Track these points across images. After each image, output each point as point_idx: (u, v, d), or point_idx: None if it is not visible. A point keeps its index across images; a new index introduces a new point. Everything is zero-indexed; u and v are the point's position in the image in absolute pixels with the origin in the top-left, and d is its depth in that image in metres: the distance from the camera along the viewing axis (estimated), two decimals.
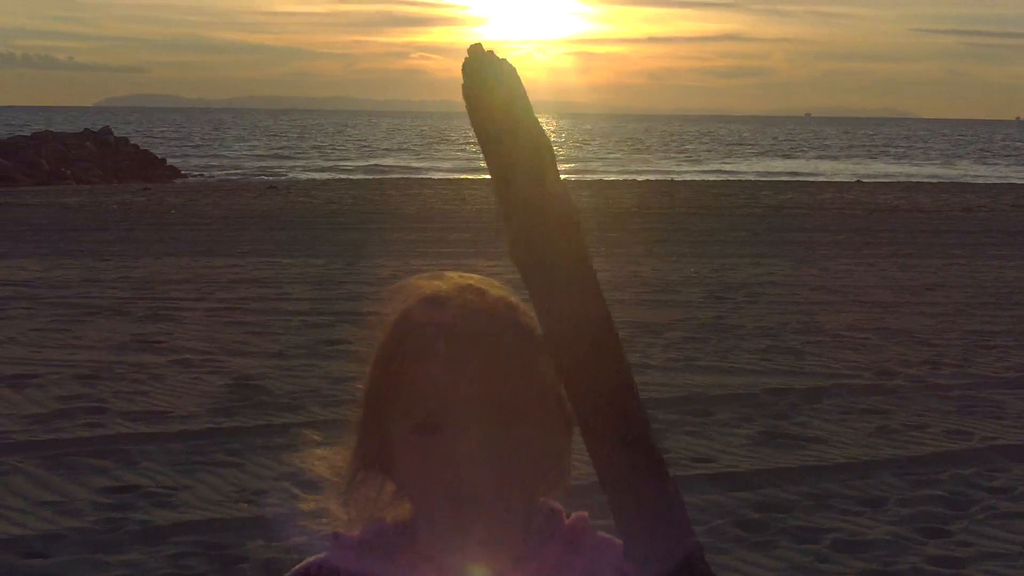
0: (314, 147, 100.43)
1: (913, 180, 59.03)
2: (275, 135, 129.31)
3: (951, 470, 8.83)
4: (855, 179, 59.46)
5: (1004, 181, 59.60)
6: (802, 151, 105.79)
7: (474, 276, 1.86)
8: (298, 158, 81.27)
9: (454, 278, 1.85)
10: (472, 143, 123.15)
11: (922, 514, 7.90)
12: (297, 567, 1.89)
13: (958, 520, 7.82)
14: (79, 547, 7.08)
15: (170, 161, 59.92)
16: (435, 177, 59.13)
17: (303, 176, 60.01)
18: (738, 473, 8.62)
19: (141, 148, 59.38)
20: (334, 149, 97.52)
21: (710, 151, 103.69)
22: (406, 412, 1.75)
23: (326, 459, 1.91)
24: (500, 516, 1.75)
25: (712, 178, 59.90)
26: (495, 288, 1.84)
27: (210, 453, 8.94)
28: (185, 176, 56.06)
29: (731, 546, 7.29)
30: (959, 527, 7.70)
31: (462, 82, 1.70)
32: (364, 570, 1.83)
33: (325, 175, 61.18)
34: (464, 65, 1.69)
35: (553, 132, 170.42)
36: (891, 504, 8.08)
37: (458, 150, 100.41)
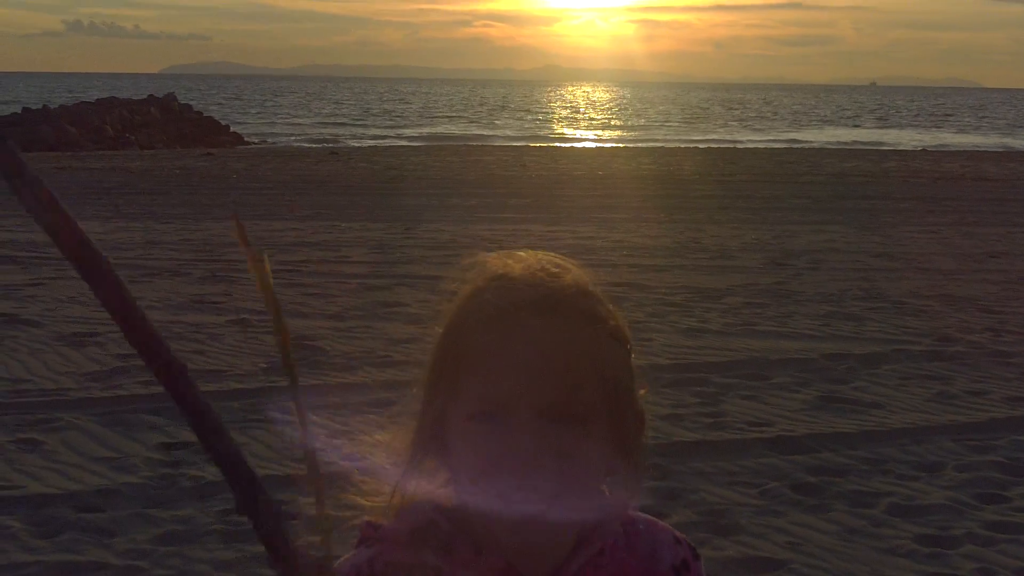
0: (376, 114, 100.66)
1: (979, 149, 58.30)
2: (337, 102, 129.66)
3: (1010, 436, 8.71)
4: (920, 147, 58.82)
5: None
6: (867, 120, 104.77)
7: (551, 256, 1.76)
8: (360, 125, 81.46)
9: (528, 258, 1.75)
10: (534, 109, 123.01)
11: (979, 479, 7.80)
12: (342, 564, 1.74)
13: (1016, 486, 7.72)
14: (132, 502, 7.13)
15: (233, 128, 60.22)
16: (495, 144, 59.00)
17: (364, 142, 60.15)
18: (794, 437, 8.54)
19: (204, 115, 59.75)
20: (396, 116, 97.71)
21: (774, 119, 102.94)
22: (465, 396, 1.66)
23: (382, 444, 1.81)
24: (558, 514, 1.64)
25: (775, 146, 59.40)
26: (570, 272, 1.73)
27: (264, 412, 8.97)
28: (248, 142, 56.30)
29: (786, 509, 7.23)
30: (1016, 493, 7.60)
31: None
32: (421, 562, 1.71)
33: (386, 142, 61.31)
34: None
35: (614, 100, 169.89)
36: (948, 469, 7.98)
37: (518, 118, 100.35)
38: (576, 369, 1.62)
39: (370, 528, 1.75)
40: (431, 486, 1.76)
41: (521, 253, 1.76)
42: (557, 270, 1.72)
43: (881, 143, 65.84)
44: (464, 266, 1.77)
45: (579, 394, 1.62)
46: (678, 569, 1.82)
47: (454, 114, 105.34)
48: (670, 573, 1.82)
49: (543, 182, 31.93)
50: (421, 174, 34.42)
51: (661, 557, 1.81)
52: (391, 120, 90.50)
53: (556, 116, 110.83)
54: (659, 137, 71.37)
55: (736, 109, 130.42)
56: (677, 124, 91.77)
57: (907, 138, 73.06)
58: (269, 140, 60.55)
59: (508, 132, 75.58)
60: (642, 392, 1.77)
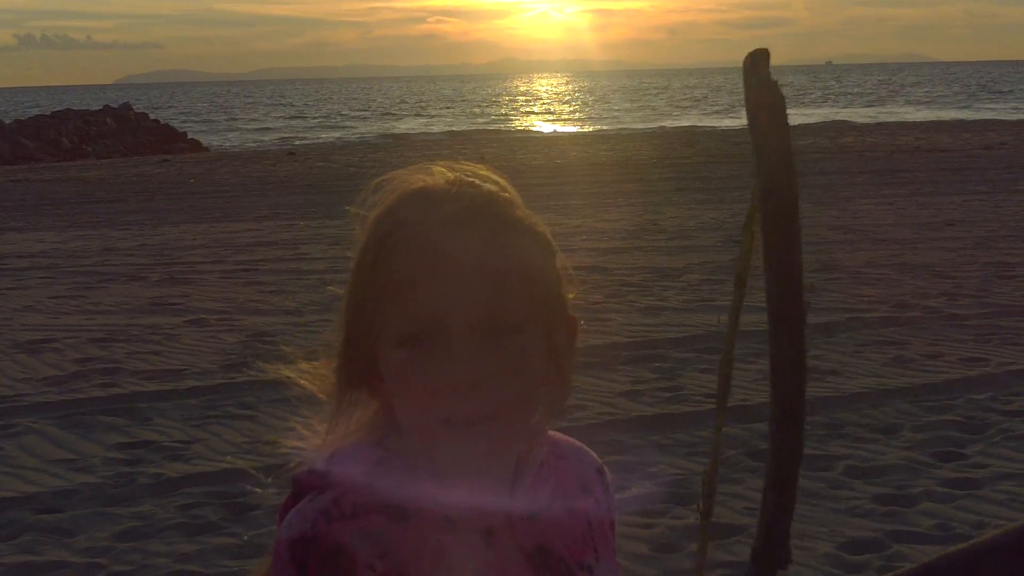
0: (333, 114, 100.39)
1: (934, 121, 58.60)
2: (294, 104, 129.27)
3: (967, 396, 8.78)
4: (875, 122, 59.05)
5: None
6: (822, 98, 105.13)
7: (465, 164, 1.70)
8: (317, 125, 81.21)
9: (442, 170, 1.68)
10: (489, 102, 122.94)
11: (937, 439, 7.86)
12: (291, 519, 1.65)
13: (973, 443, 7.78)
14: (91, 501, 7.11)
15: (190, 134, 59.97)
16: (453, 137, 58.94)
17: (322, 142, 60.01)
18: (749, 406, 8.56)
19: (161, 123, 59.47)
20: (353, 115, 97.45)
21: (732, 103, 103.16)
22: (391, 322, 1.57)
23: (311, 374, 1.79)
24: (498, 436, 1.59)
25: (733, 127, 59.58)
26: (489, 180, 1.68)
27: (223, 407, 8.96)
28: (205, 148, 56.07)
29: (743, 476, 7.26)
30: (974, 450, 7.66)
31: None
32: (386, 501, 1.62)
33: (344, 140, 61.17)
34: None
35: (571, 90, 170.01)
36: (905, 430, 8.04)
37: (477, 110, 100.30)
38: (506, 277, 1.57)
39: (313, 476, 1.66)
40: (364, 422, 1.71)
41: (437, 167, 1.69)
42: (473, 179, 1.66)
43: (838, 120, 66.11)
44: (375, 186, 1.71)
45: (512, 303, 1.57)
46: (600, 470, 1.85)
47: (412, 110, 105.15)
48: (595, 474, 1.84)
49: (501, 172, 31.91)
50: (380, 170, 33.37)
51: (585, 461, 1.83)
52: (349, 119, 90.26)
53: (513, 108, 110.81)
54: (616, 124, 71.43)
55: (695, 93, 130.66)
56: (634, 111, 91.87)
57: (862, 113, 73.36)
58: (227, 145, 60.31)
59: (465, 125, 75.48)
60: (571, 296, 1.70)
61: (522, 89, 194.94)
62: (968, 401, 8.64)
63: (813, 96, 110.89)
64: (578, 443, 1.86)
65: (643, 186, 26.21)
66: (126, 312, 12.87)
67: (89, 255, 17.58)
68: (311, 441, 1.75)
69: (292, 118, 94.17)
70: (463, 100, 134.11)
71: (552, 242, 1.68)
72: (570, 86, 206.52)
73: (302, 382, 1.81)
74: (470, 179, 1.66)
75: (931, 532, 6.35)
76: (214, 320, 12.18)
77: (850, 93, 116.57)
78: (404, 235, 1.58)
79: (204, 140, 59.75)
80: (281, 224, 20.96)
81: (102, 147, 49.62)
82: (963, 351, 10.08)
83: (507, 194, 1.67)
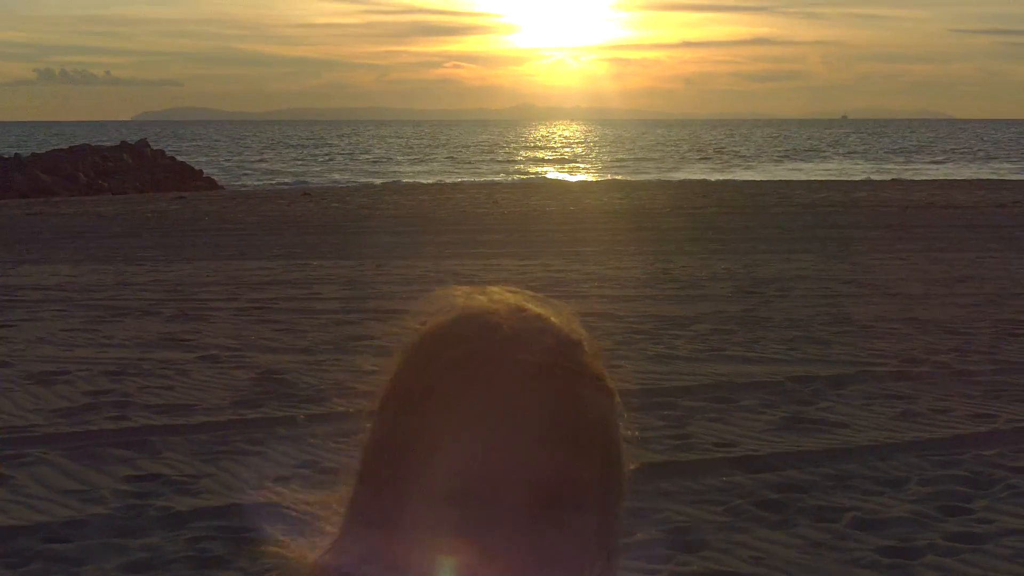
0: (349, 156, 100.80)
1: (948, 178, 58.67)
2: (310, 146, 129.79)
3: (974, 451, 8.80)
4: (891, 177, 59.15)
5: None
6: (838, 152, 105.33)
7: (528, 295, 1.45)
8: (332, 167, 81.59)
9: (505, 295, 1.44)
10: (505, 147, 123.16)
11: (943, 493, 7.88)
12: None
13: (979, 498, 7.80)
14: (101, 532, 7.16)
15: (206, 172, 60.22)
16: (467, 182, 59.13)
17: (337, 184, 60.23)
18: (759, 456, 8.61)
19: (177, 160, 59.75)
20: (369, 158, 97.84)
21: (745, 154, 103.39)
22: (436, 470, 1.34)
23: (321, 504, 1.51)
24: None
25: (747, 178, 59.69)
26: (557, 316, 1.43)
27: (233, 443, 9.01)
28: (221, 187, 56.30)
29: (750, 525, 7.29)
30: (980, 505, 7.68)
31: None
32: None
33: (359, 181, 61.41)
34: None
35: (587, 137, 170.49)
36: (912, 484, 8.06)
37: (491, 157, 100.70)
38: (582, 451, 1.35)
39: None
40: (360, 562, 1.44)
41: (496, 289, 1.45)
42: (548, 318, 1.41)
43: (852, 173, 66.21)
44: (431, 301, 1.45)
45: (581, 478, 1.35)
46: None
47: (427, 154, 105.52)
48: None
49: (515, 218, 32.06)
50: (393, 212, 34.50)
51: None
52: (365, 161, 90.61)
53: (529, 154, 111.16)
54: (633, 171, 71.65)
55: (710, 144, 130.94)
56: (648, 159, 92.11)
57: (878, 168, 73.48)
58: (242, 183, 60.56)
59: (481, 169, 75.78)
60: (632, 465, 1.45)
61: (538, 135, 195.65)
62: (975, 456, 8.66)
63: (828, 150, 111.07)
64: None
65: (656, 234, 26.30)
66: (138, 346, 12.93)
67: (103, 289, 17.67)
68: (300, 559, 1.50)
69: (308, 159, 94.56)
70: (479, 145, 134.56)
71: (617, 395, 1.44)
72: (586, 134, 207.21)
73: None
74: (539, 315, 1.41)
75: None
76: (226, 356, 12.24)
77: (864, 148, 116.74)
78: (465, 378, 1.35)
79: (219, 178, 60.01)
80: (295, 263, 21.05)
81: (118, 183, 49.87)
82: (972, 407, 10.09)
83: (578, 336, 1.42)
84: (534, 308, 1.42)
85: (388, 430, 1.40)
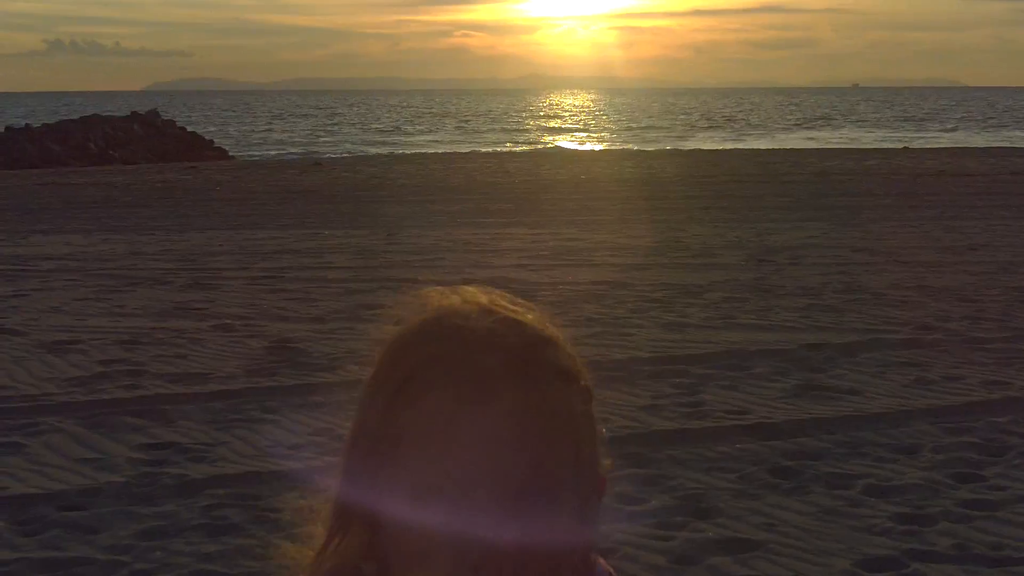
0: (359, 126, 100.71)
1: (960, 146, 58.47)
2: (320, 115, 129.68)
3: (987, 418, 8.79)
4: (901, 146, 58.97)
5: None
6: (849, 121, 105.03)
7: (502, 295, 1.49)
8: (343, 136, 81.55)
9: (476, 295, 1.47)
10: (515, 116, 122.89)
11: (956, 460, 7.88)
12: None
13: (992, 465, 7.80)
14: (115, 500, 7.18)
15: (217, 142, 60.19)
16: (478, 151, 59.05)
17: (347, 153, 60.20)
18: (771, 423, 8.62)
19: (188, 130, 59.73)
20: (379, 127, 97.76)
21: (756, 122, 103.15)
22: (406, 471, 1.39)
23: (308, 510, 1.54)
24: None
25: (758, 147, 59.55)
26: (529, 314, 1.46)
27: (247, 411, 9.03)
28: (232, 157, 56.27)
29: (763, 492, 7.30)
30: (993, 472, 7.68)
31: None
32: None
33: (370, 151, 61.36)
34: None
35: (597, 106, 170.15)
36: (925, 451, 8.06)
37: (501, 127, 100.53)
38: (552, 446, 1.38)
39: None
40: (347, 561, 1.48)
41: (469, 290, 1.48)
42: (519, 316, 1.45)
43: (863, 141, 66.02)
44: (402, 304, 1.49)
45: (551, 472, 1.38)
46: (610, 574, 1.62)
47: (438, 123, 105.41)
48: None
49: (526, 187, 32.01)
50: (404, 182, 34.47)
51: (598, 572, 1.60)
52: (376, 130, 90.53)
53: (539, 123, 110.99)
54: (643, 140, 71.51)
55: (720, 113, 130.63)
56: (659, 128, 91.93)
57: (889, 136, 73.27)
58: (253, 153, 60.54)
59: (491, 138, 75.69)
60: (607, 462, 1.50)
61: (548, 104, 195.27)
62: (988, 424, 8.66)
63: (839, 118, 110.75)
64: None
65: (667, 203, 26.25)
66: (151, 315, 12.96)
67: (115, 259, 17.70)
68: (298, 565, 1.55)
69: (318, 129, 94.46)
70: (489, 114, 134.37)
71: (592, 391, 1.48)
72: (596, 103, 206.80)
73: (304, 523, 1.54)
74: (510, 314, 1.45)
75: (949, 552, 6.37)
76: (239, 325, 12.27)
77: (876, 116, 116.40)
78: (435, 377, 1.38)
79: (230, 149, 59.99)
80: (306, 232, 21.06)
81: (129, 153, 49.87)
82: (985, 374, 10.08)
83: (549, 334, 1.46)
84: (506, 308, 1.45)
85: (364, 425, 1.44)
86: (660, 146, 63.86)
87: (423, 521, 1.37)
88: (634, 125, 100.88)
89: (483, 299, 1.46)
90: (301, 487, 1.63)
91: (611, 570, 1.62)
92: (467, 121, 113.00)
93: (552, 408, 1.39)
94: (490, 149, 62.05)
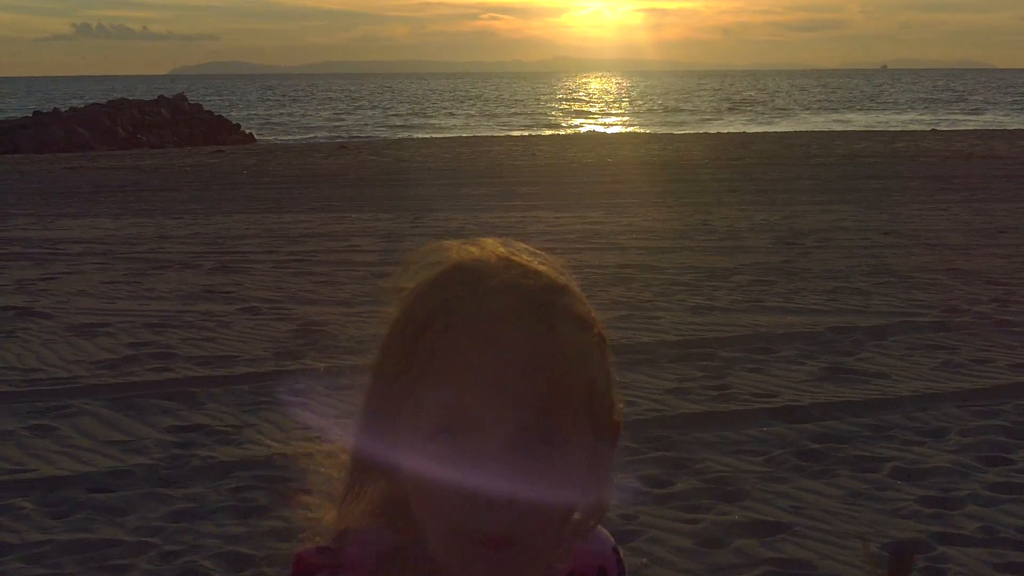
0: (385, 109, 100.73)
1: (989, 128, 58.13)
2: (347, 99, 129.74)
3: (1015, 401, 8.76)
4: (930, 127, 58.66)
5: None
6: (878, 102, 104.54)
7: (521, 246, 1.53)
8: (369, 120, 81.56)
9: (496, 246, 1.52)
10: (542, 99, 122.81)
11: (983, 443, 7.85)
12: None
13: (1020, 449, 7.77)
14: (144, 482, 7.22)
15: (243, 126, 60.31)
16: (505, 134, 59.00)
17: (373, 136, 60.23)
18: (799, 407, 8.60)
19: (215, 114, 59.86)
20: (405, 111, 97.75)
21: (783, 104, 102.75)
22: (424, 410, 1.42)
23: (326, 454, 1.63)
24: (522, 559, 1.43)
25: (786, 130, 59.32)
26: (545, 263, 1.51)
27: (275, 394, 9.06)
28: (258, 140, 56.38)
29: (790, 475, 7.29)
30: (1021, 455, 7.65)
31: None
32: None
33: (396, 135, 61.39)
34: None
35: (624, 89, 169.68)
36: (952, 434, 8.03)
37: (527, 110, 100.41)
38: (560, 381, 1.41)
39: (323, 555, 1.51)
40: (378, 502, 1.53)
41: (489, 241, 1.53)
42: (535, 265, 1.50)
43: (892, 123, 65.72)
44: (423, 253, 1.52)
45: (563, 410, 1.41)
46: (615, 549, 1.67)
47: (465, 107, 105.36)
48: (611, 554, 1.66)
49: (552, 170, 31.99)
50: (431, 165, 34.48)
51: (602, 542, 1.65)
52: (402, 114, 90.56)
53: (566, 106, 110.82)
54: (670, 123, 71.34)
55: (748, 95, 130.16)
56: (686, 111, 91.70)
57: (917, 119, 72.91)
58: (280, 137, 60.65)
59: (518, 122, 75.62)
60: (619, 406, 1.53)
61: (575, 87, 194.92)
62: (1016, 407, 8.63)
63: (867, 101, 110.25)
64: (606, 541, 1.69)
65: (694, 186, 26.20)
66: (179, 298, 13.01)
67: (143, 242, 17.77)
68: (321, 516, 1.59)
69: (344, 112, 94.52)
70: (515, 97, 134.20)
71: (606, 338, 1.52)
72: (623, 85, 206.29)
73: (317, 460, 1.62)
74: (527, 263, 1.50)
75: (976, 535, 6.35)
76: (266, 308, 12.31)
77: (905, 97, 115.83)
78: (452, 319, 1.42)
79: (257, 132, 60.10)
80: (333, 216, 21.10)
81: (156, 137, 50.03)
82: (1013, 357, 10.04)
83: (564, 281, 1.50)
84: (523, 258, 1.50)
85: (383, 369, 1.48)
86: (686, 129, 63.71)
87: (439, 460, 1.40)
88: (660, 107, 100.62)
89: (501, 249, 1.51)
90: (316, 437, 1.66)
91: (613, 542, 1.66)
92: (493, 104, 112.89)
93: (564, 346, 1.42)
94: (516, 133, 61.97)
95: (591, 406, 1.45)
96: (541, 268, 1.49)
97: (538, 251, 1.53)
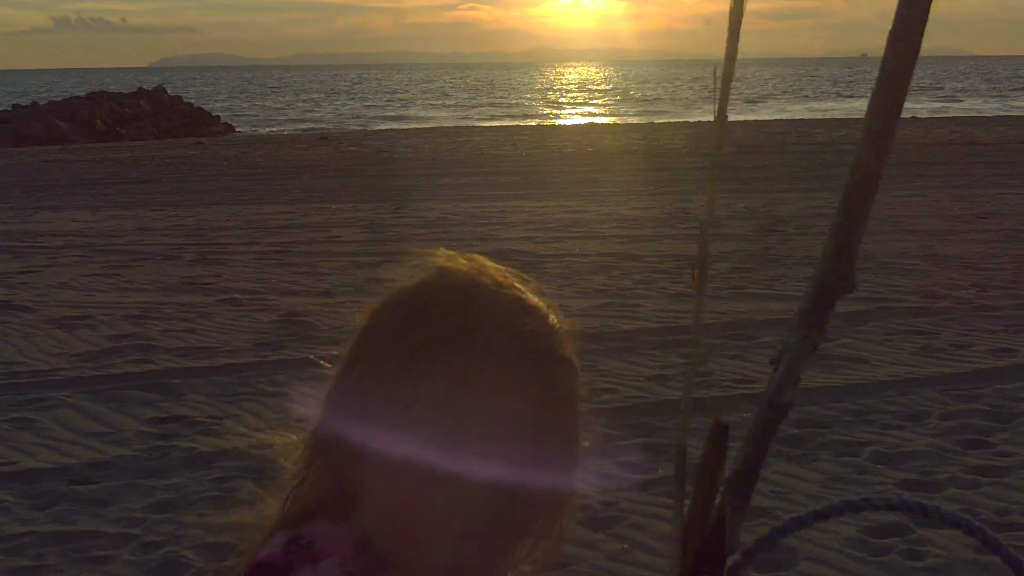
0: (365, 101, 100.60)
1: (968, 115, 58.29)
2: (327, 91, 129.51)
3: (995, 385, 8.81)
4: (909, 115, 58.78)
5: None
6: (857, 91, 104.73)
7: (513, 272, 1.47)
8: (350, 111, 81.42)
9: (487, 267, 1.46)
10: (521, 90, 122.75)
11: (963, 427, 7.90)
12: None
13: (999, 432, 7.82)
14: (125, 473, 7.22)
15: (224, 118, 60.17)
16: (486, 125, 58.96)
17: (354, 127, 60.14)
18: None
19: (195, 106, 59.72)
20: (385, 101, 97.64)
21: (764, 93, 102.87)
22: (403, 422, 1.37)
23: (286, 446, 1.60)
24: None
25: (766, 118, 59.40)
26: (534, 295, 1.45)
27: (256, 384, 9.06)
28: (239, 132, 56.26)
29: (770, 460, 7.26)
30: (1000, 439, 7.69)
31: None
32: None
33: (377, 126, 61.29)
34: None
35: (604, 79, 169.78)
36: (932, 418, 8.08)
37: (507, 100, 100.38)
38: (549, 425, 1.39)
39: (295, 549, 1.44)
40: (325, 497, 1.49)
41: (478, 258, 1.47)
42: (528, 299, 1.43)
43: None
44: (412, 262, 1.49)
45: (548, 450, 1.39)
46: None
47: (445, 97, 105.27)
48: None
49: (533, 160, 31.97)
50: (411, 156, 34.44)
51: None
52: (382, 105, 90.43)
53: (546, 97, 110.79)
54: (648, 113, 71.37)
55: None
56: (666, 101, 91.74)
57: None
58: (259, 129, 60.53)
59: (497, 112, 75.59)
60: (586, 444, 1.48)
61: (554, 78, 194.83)
62: (996, 391, 8.67)
63: (847, 89, 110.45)
64: None
65: (675, 175, 26.21)
66: (160, 290, 13.00)
67: (123, 234, 17.73)
68: (263, 513, 1.56)
69: (324, 103, 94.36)
70: (495, 88, 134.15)
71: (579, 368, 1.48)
72: (603, 75, 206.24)
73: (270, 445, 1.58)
74: (521, 297, 1.43)
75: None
76: (247, 299, 12.30)
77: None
78: (448, 350, 1.37)
79: (237, 124, 59.96)
80: (313, 207, 21.07)
81: (136, 129, 49.89)
82: (993, 342, 10.09)
83: (554, 322, 1.44)
84: (514, 286, 1.44)
85: (378, 382, 1.43)
86: (666, 118, 63.73)
87: (407, 490, 1.37)
88: (641, 97, 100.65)
89: (491, 270, 1.45)
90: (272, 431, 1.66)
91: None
92: (473, 95, 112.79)
93: (560, 394, 1.41)
94: (497, 123, 61.93)
95: (575, 445, 1.44)
96: (537, 304, 1.44)
97: (523, 276, 1.47)
